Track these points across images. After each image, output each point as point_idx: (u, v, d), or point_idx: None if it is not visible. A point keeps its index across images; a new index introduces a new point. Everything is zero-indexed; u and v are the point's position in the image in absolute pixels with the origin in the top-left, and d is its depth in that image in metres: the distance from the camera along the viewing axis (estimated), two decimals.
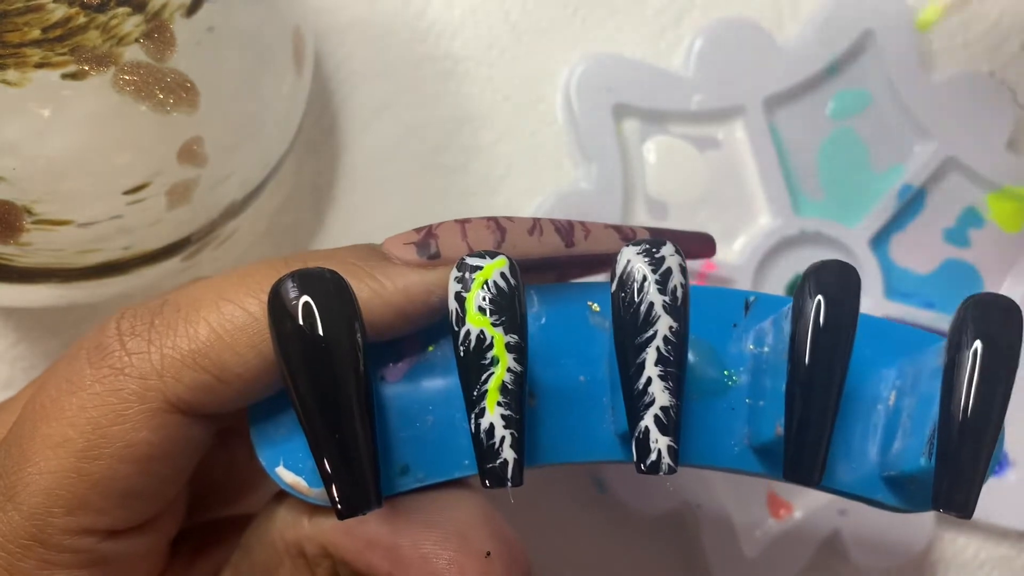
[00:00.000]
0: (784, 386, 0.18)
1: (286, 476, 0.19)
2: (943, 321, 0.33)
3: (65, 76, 0.20)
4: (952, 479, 0.17)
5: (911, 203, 0.33)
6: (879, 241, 0.33)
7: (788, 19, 0.33)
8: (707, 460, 0.20)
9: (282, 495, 0.20)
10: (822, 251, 0.32)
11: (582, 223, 0.21)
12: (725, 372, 0.20)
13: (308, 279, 0.17)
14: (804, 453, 0.17)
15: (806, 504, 0.32)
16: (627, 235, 0.21)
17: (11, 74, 0.20)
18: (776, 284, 0.32)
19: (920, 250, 0.34)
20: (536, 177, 0.32)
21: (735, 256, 0.32)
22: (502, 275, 0.17)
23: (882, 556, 0.32)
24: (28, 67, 0.20)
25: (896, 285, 0.34)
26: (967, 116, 0.33)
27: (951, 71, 0.34)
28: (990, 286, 0.34)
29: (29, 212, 0.21)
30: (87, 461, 0.17)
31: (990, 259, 0.34)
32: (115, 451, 0.17)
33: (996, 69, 0.34)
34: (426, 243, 0.19)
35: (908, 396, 0.19)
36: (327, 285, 0.17)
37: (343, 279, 0.17)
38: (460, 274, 0.17)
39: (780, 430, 0.18)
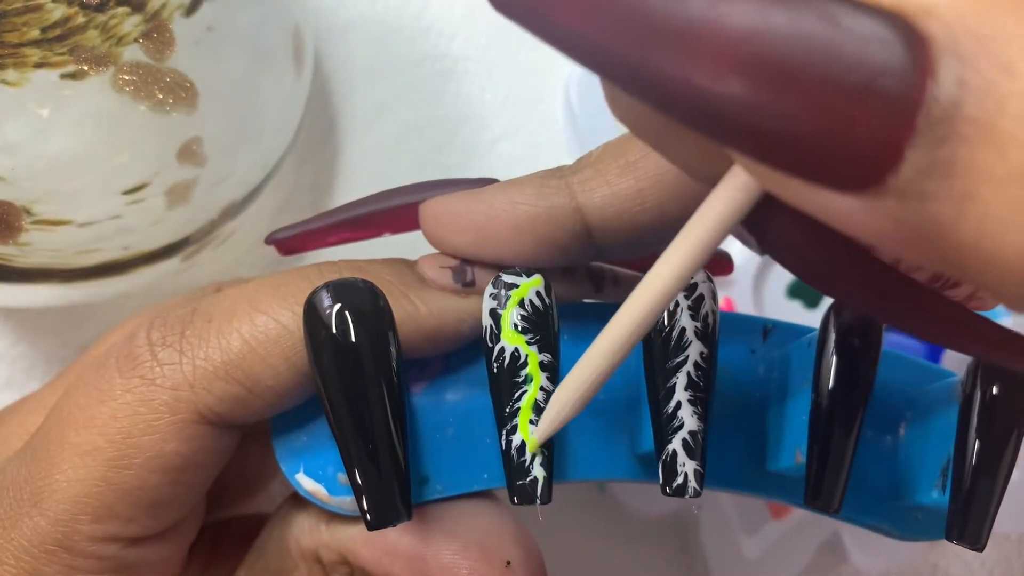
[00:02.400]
0: (803, 414, 0.18)
1: (306, 483, 0.19)
2: None
3: (64, 76, 0.20)
4: (967, 513, 0.17)
5: None
6: None
7: None
8: (725, 484, 0.20)
9: (297, 498, 0.20)
10: None
11: (613, 271, 0.21)
12: (743, 398, 0.20)
13: (343, 289, 0.17)
14: (826, 480, 0.17)
15: None
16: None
17: (10, 74, 0.20)
18: (777, 285, 0.32)
19: None
20: None
21: (735, 257, 0.32)
22: (537, 294, 0.17)
23: (882, 557, 0.32)
24: (27, 67, 0.20)
25: None
26: None
27: None
28: None
29: (28, 212, 0.21)
30: (116, 471, 0.17)
31: None
32: (144, 461, 0.17)
33: None
34: (462, 270, 0.19)
35: (918, 429, 0.20)
36: (361, 295, 0.17)
37: (377, 289, 0.17)
38: (496, 291, 0.17)
39: (800, 457, 0.18)
